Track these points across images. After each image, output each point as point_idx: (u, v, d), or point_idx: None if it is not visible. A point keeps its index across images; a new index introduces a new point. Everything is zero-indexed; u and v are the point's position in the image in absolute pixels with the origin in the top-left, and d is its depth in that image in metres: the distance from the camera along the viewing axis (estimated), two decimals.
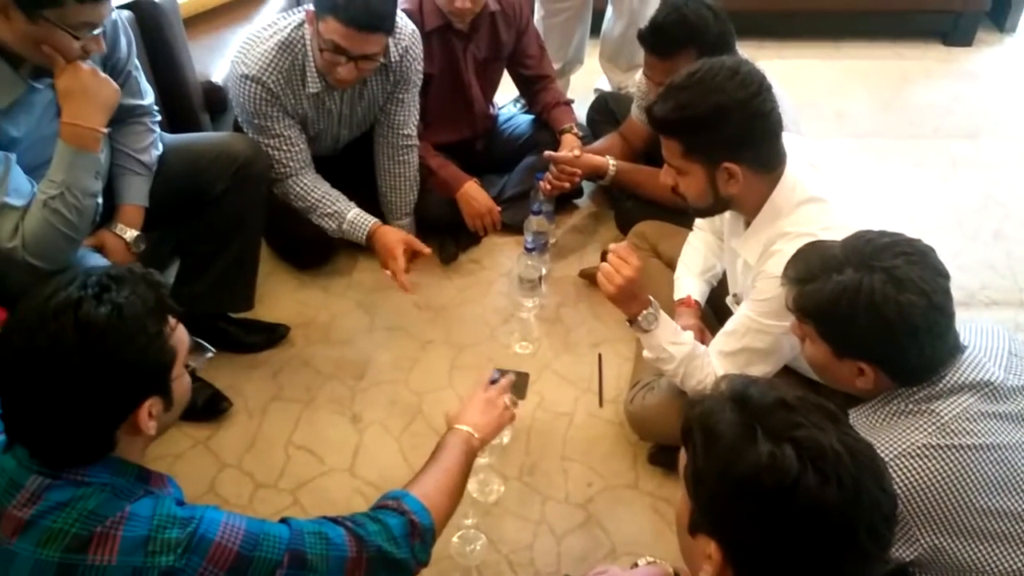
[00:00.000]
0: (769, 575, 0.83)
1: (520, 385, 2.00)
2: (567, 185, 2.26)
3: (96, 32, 1.49)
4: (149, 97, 1.84)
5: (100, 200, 1.61)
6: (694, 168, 1.50)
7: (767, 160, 1.50)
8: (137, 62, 1.79)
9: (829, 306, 1.19)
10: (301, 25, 1.96)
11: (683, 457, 0.91)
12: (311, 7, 1.89)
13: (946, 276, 1.18)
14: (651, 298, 1.61)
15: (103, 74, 1.56)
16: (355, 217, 2.08)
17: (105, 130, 1.55)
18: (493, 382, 1.71)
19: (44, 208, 1.48)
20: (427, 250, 2.07)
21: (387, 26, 1.89)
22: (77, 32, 1.45)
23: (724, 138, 1.45)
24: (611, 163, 2.23)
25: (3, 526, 0.95)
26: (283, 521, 1.07)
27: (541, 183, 2.27)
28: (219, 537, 0.98)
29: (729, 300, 1.78)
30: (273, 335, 2.15)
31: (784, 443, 0.81)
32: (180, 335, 1.05)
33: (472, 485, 1.76)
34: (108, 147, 1.75)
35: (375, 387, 2.05)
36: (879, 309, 1.14)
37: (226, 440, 1.90)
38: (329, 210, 2.09)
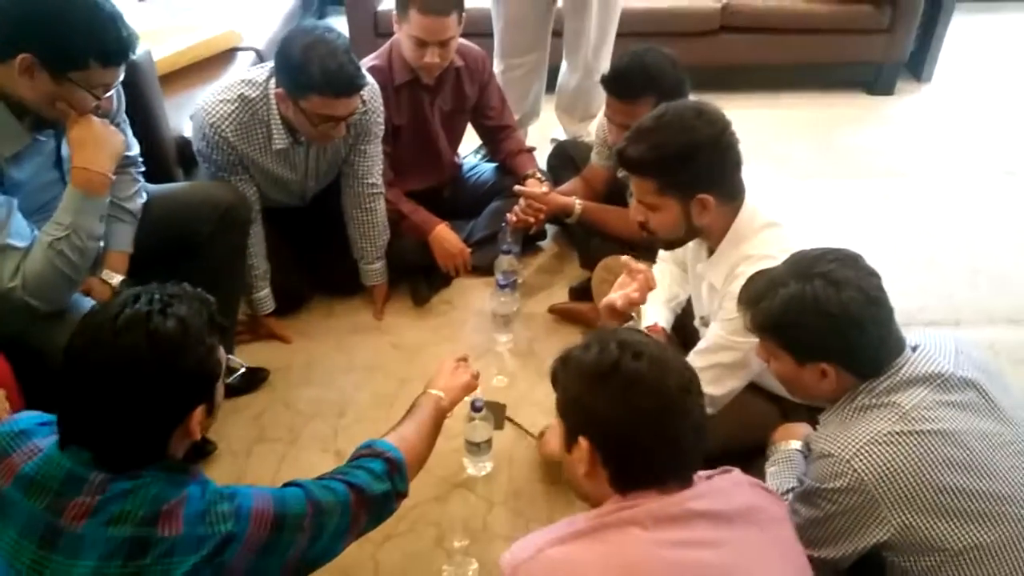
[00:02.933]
0: (624, 442, 1.08)
1: (497, 416, 2.07)
2: (532, 220, 2.37)
3: (109, 94, 1.59)
4: (135, 148, 1.91)
5: (102, 243, 1.66)
6: (668, 203, 1.62)
7: (733, 190, 1.64)
8: (125, 115, 1.86)
9: (781, 317, 1.31)
10: (265, 84, 2.04)
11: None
12: (279, 89, 1.98)
13: (876, 275, 1.32)
14: (633, 315, 1.71)
15: (111, 125, 1.63)
16: (262, 297, 2.28)
17: (113, 176, 1.62)
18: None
19: (49, 249, 1.53)
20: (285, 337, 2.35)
21: (363, 81, 2.00)
22: (96, 92, 1.54)
23: (698, 172, 1.58)
24: (577, 202, 2.36)
25: (67, 514, 1.02)
26: (291, 484, 1.22)
27: (508, 215, 2.38)
28: (256, 504, 1.11)
29: (697, 323, 1.90)
30: (253, 379, 2.18)
31: (608, 342, 1.10)
32: (221, 349, 1.15)
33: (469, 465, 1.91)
34: None
35: (357, 424, 2.09)
36: (824, 309, 1.27)
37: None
38: (248, 271, 2.21)
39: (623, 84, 2.06)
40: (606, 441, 1.08)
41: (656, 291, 2.03)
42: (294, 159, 2.18)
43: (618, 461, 1.09)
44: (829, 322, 1.27)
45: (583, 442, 1.09)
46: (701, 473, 1.12)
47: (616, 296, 1.69)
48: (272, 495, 1.15)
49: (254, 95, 2.04)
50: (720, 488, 1.11)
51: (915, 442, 1.24)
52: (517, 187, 2.40)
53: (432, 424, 1.49)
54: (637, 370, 1.07)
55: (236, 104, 2.03)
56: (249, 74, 2.09)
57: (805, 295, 1.28)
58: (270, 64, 2.06)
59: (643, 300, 1.70)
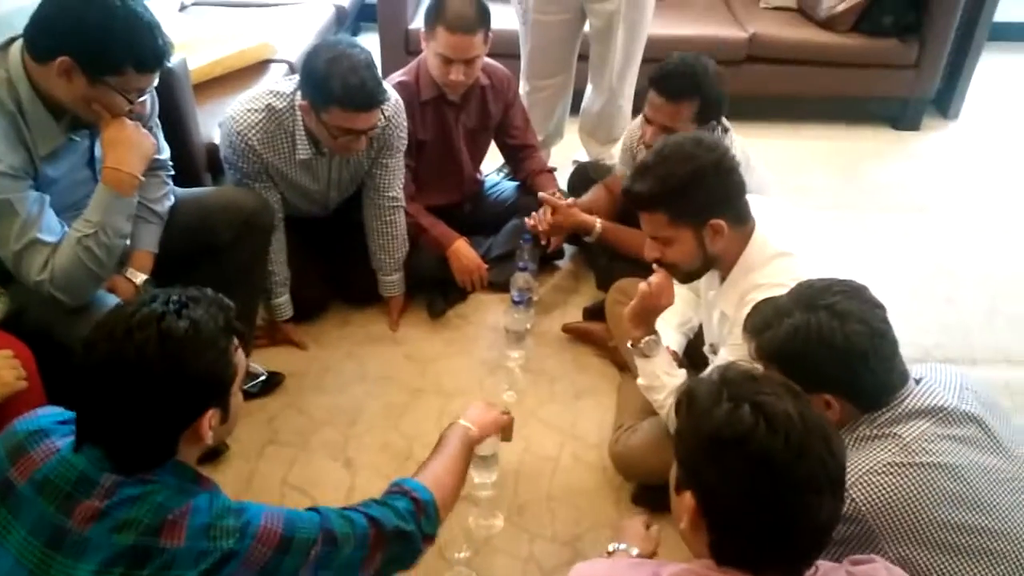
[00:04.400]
0: (731, 520, 0.98)
1: (506, 429, 2.08)
2: (546, 229, 2.37)
3: (143, 98, 1.65)
4: (165, 152, 1.96)
5: (128, 241, 1.71)
6: (681, 233, 1.64)
7: (742, 213, 1.66)
8: (157, 120, 1.92)
9: (786, 347, 1.31)
10: (291, 95, 2.09)
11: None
12: (303, 101, 2.03)
13: (881, 307, 1.32)
14: (657, 328, 1.73)
15: (143, 129, 1.69)
16: (280, 303, 2.32)
17: (142, 178, 1.67)
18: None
19: (77, 245, 1.58)
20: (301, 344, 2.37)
21: (383, 97, 2.04)
22: (130, 96, 1.60)
23: (706, 197, 1.61)
24: (597, 221, 2.38)
25: (76, 516, 1.04)
26: (311, 510, 1.20)
27: (527, 219, 2.41)
28: (264, 522, 1.10)
29: (706, 349, 1.91)
30: (268, 383, 2.20)
31: (743, 404, 0.97)
32: (240, 355, 1.16)
33: (471, 520, 1.86)
34: None
35: (367, 433, 2.12)
36: (828, 341, 1.27)
37: (224, 480, 1.93)
38: (269, 276, 2.25)
39: (671, 83, 2.09)
40: (712, 511, 0.99)
41: (669, 314, 2.05)
42: (317, 170, 2.23)
43: (721, 535, 1.00)
44: (833, 354, 1.27)
45: (689, 498, 1.01)
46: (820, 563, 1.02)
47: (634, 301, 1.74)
48: (284, 516, 1.14)
49: (281, 106, 2.09)
50: None
51: (914, 474, 1.24)
52: (542, 194, 2.43)
53: (461, 456, 1.46)
54: (768, 450, 0.94)
55: (263, 114, 2.08)
56: (277, 85, 2.15)
57: (810, 326, 1.28)
58: (298, 76, 2.11)
59: (663, 291, 1.72)
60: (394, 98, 2.22)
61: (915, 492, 1.23)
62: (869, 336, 1.27)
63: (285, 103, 2.09)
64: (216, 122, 2.54)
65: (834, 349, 1.27)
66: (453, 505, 1.41)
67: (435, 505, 1.31)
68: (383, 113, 2.12)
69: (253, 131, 2.07)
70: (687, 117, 2.07)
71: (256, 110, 2.08)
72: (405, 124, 2.30)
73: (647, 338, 1.74)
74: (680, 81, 2.07)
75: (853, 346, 1.27)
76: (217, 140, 2.47)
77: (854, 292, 1.33)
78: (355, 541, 1.19)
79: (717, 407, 0.98)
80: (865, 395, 1.31)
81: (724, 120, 2.20)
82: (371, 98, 1.98)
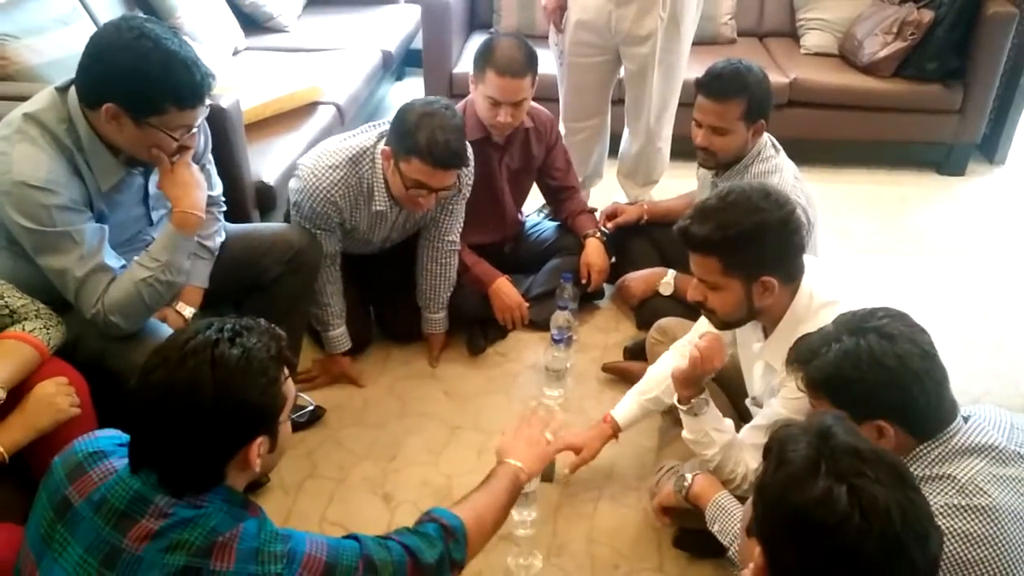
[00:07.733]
0: None
1: (547, 469, 2.07)
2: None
3: (191, 132, 1.68)
4: (218, 188, 2.02)
5: (186, 278, 1.77)
6: (731, 283, 1.59)
7: (795, 272, 1.63)
8: (211, 156, 1.98)
9: (837, 371, 1.28)
10: (373, 146, 2.14)
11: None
12: (386, 147, 2.07)
13: (927, 332, 1.30)
14: (704, 386, 1.71)
15: (196, 168, 1.75)
16: (337, 335, 2.32)
17: (205, 216, 1.74)
18: None
19: (141, 282, 1.64)
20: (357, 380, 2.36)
21: (464, 161, 2.09)
22: (175, 134, 1.63)
23: (764, 253, 1.57)
24: (670, 273, 2.41)
25: (131, 536, 1.07)
26: (350, 537, 1.21)
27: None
28: (308, 550, 1.13)
29: (748, 402, 1.87)
30: (310, 416, 2.23)
31: (841, 485, 0.90)
32: (290, 385, 1.19)
33: (510, 559, 1.84)
34: None
35: (407, 468, 2.12)
36: (881, 361, 1.25)
37: None
38: (325, 309, 2.28)
39: (717, 84, 2.11)
40: None
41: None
42: (387, 217, 2.26)
43: None
44: (887, 375, 1.25)
45: (759, 554, 0.96)
46: None
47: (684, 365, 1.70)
48: (327, 543, 1.16)
49: (362, 158, 2.14)
50: None
51: (974, 517, 1.21)
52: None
53: (508, 496, 1.46)
54: (859, 547, 0.88)
55: (345, 170, 2.12)
56: (356, 138, 2.17)
57: (860, 348, 1.26)
58: (381, 128, 2.17)
59: (714, 354, 1.67)
60: (470, 155, 2.23)
61: (976, 534, 1.20)
62: (921, 357, 1.26)
63: (366, 154, 2.14)
64: (266, 161, 2.62)
65: (888, 370, 1.24)
66: (487, 540, 1.39)
67: (464, 531, 1.32)
68: (458, 178, 2.15)
69: (336, 188, 2.11)
70: (734, 116, 2.10)
71: (337, 167, 2.11)
72: (473, 171, 2.33)
73: (697, 398, 1.71)
74: (726, 81, 2.10)
75: (906, 366, 1.24)
76: (265, 178, 2.55)
77: (899, 316, 1.32)
78: (392, 568, 1.20)
79: (811, 482, 0.91)
80: (920, 420, 1.28)
81: (774, 140, 2.20)
82: (452, 158, 2.01)
